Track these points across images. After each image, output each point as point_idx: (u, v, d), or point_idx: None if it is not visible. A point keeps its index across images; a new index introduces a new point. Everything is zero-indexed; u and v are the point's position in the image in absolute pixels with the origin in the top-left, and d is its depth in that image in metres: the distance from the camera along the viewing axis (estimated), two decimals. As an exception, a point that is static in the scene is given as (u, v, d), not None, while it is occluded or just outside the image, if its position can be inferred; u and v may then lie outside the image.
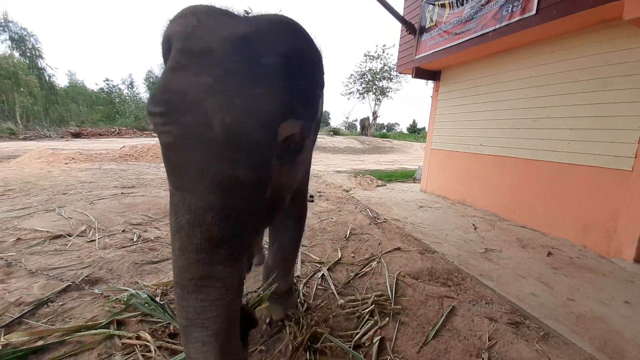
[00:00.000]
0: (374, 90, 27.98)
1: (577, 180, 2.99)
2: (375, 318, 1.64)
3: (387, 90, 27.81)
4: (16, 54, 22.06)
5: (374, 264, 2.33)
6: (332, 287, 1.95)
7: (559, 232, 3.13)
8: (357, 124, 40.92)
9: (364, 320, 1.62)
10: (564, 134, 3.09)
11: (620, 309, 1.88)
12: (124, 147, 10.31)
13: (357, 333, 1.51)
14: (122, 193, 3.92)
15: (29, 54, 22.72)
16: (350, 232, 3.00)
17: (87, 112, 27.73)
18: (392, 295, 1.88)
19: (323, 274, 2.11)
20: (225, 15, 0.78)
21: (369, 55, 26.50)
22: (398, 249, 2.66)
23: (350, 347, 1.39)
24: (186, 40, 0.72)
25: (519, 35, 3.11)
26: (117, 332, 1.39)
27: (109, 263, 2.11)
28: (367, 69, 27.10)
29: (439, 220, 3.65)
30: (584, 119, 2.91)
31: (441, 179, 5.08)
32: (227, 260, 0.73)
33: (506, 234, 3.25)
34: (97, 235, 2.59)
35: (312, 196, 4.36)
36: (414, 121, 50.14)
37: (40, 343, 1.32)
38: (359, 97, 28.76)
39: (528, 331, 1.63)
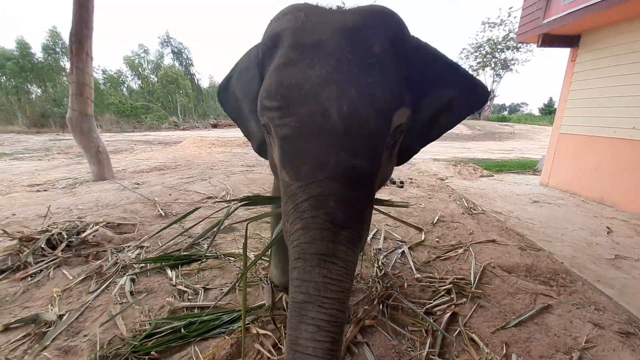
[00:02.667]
0: (493, 64, 23.80)
1: None
2: (452, 296, 1.70)
3: (512, 62, 23.16)
4: (176, 64, 29.31)
5: (459, 250, 2.30)
6: (411, 262, 2.08)
7: None
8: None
9: (439, 295, 1.71)
10: None
11: None
12: (246, 134, 12.43)
13: (430, 303, 1.63)
14: (246, 170, 4.99)
15: (184, 63, 29.80)
16: (438, 219, 2.96)
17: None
18: (474, 280, 1.87)
19: (403, 251, 2.25)
20: (328, 10, 0.83)
21: (489, 23, 22.52)
22: (493, 241, 2.49)
23: (421, 311, 1.54)
24: (296, 35, 0.75)
25: None
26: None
27: (241, 218, 2.86)
28: (484, 39, 23.19)
29: (557, 218, 3.10)
30: None
31: (571, 170, 4.16)
32: (349, 242, 0.68)
33: (660, 243, 2.50)
34: (232, 199, 3.47)
35: (402, 182, 4.38)
36: (550, 100, 40.02)
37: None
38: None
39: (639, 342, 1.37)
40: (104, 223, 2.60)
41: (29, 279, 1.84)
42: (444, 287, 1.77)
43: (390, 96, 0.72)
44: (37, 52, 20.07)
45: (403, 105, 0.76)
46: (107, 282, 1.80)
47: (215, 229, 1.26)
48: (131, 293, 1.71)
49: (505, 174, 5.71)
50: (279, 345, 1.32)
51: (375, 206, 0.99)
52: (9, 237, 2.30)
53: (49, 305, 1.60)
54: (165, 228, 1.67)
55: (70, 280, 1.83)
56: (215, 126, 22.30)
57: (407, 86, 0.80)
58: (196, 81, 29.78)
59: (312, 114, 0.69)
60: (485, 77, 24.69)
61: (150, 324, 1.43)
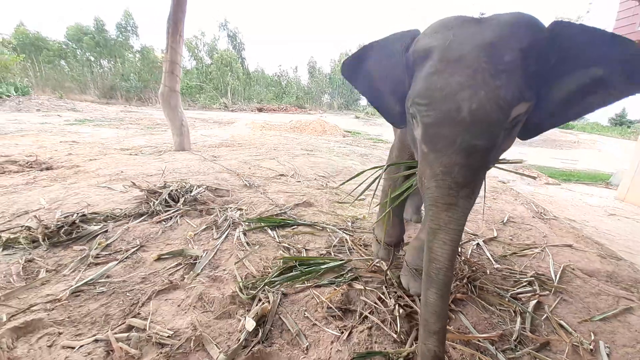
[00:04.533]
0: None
1: None
2: (534, 287, 1.82)
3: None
4: (230, 47, 30.56)
5: (535, 250, 2.36)
6: (488, 254, 2.20)
7: None
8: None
9: (521, 285, 1.83)
10: None
11: None
12: (292, 121, 12.82)
13: (513, 290, 1.76)
14: (307, 154, 5.30)
15: (237, 47, 30.99)
16: (508, 219, 3.00)
17: (265, 92, 35.40)
18: (555, 277, 1.95)
19: (478, 244, 2.37)
20: (472, 23, 0.99)
21: (563, 19, 20.36)
22: (570, 246, 2.50)
23: (506, 294, 1.69)
24: (444, 52, 0.98)
25: None
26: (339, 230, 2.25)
27: (314, 197, 3.14)
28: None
29: (638, 232, 2.97)
30: None
31: (656, 187, 3.86)
32: (466, 196, 0.97)
33: None
34: (301, 179, 3.79)
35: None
36: (623, 110, 35.47)
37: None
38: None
39: None
40: (205, 186, 3.03)
41: (163, 223, 2.28)
42: (525, 279, 1.89)
43: (511, 95, 0.91)
44: (110, 29, 22.23)
45: (523, 101, 0.94)
46: (226, 233, 2.17)
47: (375, 183, 1.63)
48: (247, 244, 2.06)
49: (573, 184, 5.40)
50: (384, 298, 1.55)
51: (497, 164, 1.20)
52: (138, 188, 2.80)
53: (188, 245, 2.01)
54: (345, 182, 1.98)
55: (194, 228, 2.24)
56: (260, 110, 23.17)
57: (532, 82, 0.96)
58: (246, 65, 30.91)
59: (449, 110, 0.94)
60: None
61: (279, 262, 1.77)
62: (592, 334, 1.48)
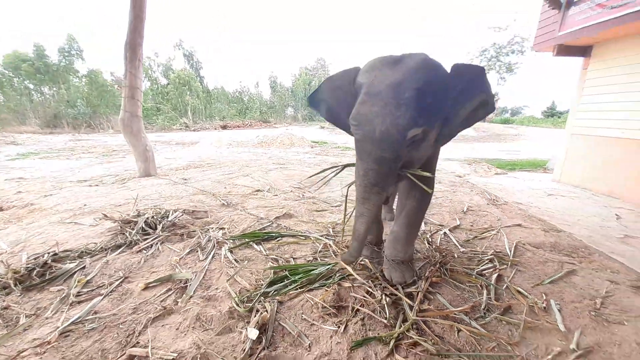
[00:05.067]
0: (497, 68, 24.26)
1: None
2: (494, 263, 2.10)
3: (516, 65, 23.63)
4: (187, 67, 29.81)
5: (492, 232, 2.69)
6: (454, 240, 2.48)
7: None
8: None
9: (483, 263, 2.11)
10: None
11: None
12: (258, 136, 12.81)
13: (478, 268, 2.02)
14: (280, 167, 5.40)
15: (194, 67, 30.32)
16: (467, 208, 3.36)
17: (227, 109, 34.82)
18: (510, 253, 2.27)
19: (445, 232, 2.65)
20: (388, 66, 1.35)
21: (494, 28, 23.03)
22: (519, 225, 2.89)
23: (472, 272, 1.94)
24: (368, 88, 1.35)
25: None
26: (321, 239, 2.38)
27: (293, 208, 3.26)
28: (490, 43, 23.69)
29: (572, 208, 3.49)
30: None
31: (582, 167, 4.55)
32: (377, 193, 1.39)
33: (664, 227, 2.90)
34: (277, 193, 3.88)
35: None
36: (553, 103, 40.36)
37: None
38: (475, 78, 25.50)
39: (655, 295, 1.77)
40: (182, 210, 3.00)
41: (144, 252, 2.25)
42: (486, 257, 2.17)
43: (406, 123, 1.26)
44: (53, 54, 20.65)
45: (415, 127, 1.27)
46: (212, 253, 2.20)
47: (332, 174, 1.89)
48: (235, 260, 2.11)
49: (517, 172, 6.10)
50: (372, 291, 1.71)
51: (408, 172, 1.47)
52: (111, 219, 2.71)
53: (175, 269, 2.01)
54: (316, 174, 2.09)
55: (178, 253, 2.23)
56: (225, 127, 22.74)
57: (429, 110, 1.30)
58: (205, 83, 30.28)
59: (369, 131, 1.32)
60: (490, 80, 25.13)
61: (270, 273, 1.86)
62: (544, 295, 1.76)
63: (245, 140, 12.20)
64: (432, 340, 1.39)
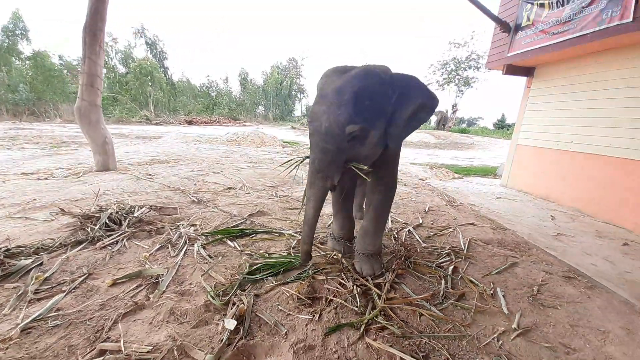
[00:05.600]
0: (456, 81, 26.17)
1: (675, 180, 2.99)
2: (451, 257, 2.34)
3: (472, 80, 25.69)
4: (150, 56, 27.96)
5: (450, 230, 2.97)
6: (417, 237, 2.70)
7: (649, 230, 3.17)
8: (432, 117, 38.59)
9: (442, 257, 2.34)
10: None
11: (684, 288, 2.13)
12: (228, 133, 12.44)
13: (437, 261, 2.25)
14: (253, 166, 5.35)
15: (158, 56, 28.55)
16: (428, 209, 3.65)
17: (193, 103, 33.21)
18: (464, 248, 2.53)
19: (409, 230, 2.87)
20: (336, 74, 1.60)
21: (454, 43, 24.84)
22: (472, 224, 3.21)
23: (433, 265, 2.15)
24: (319, 90, 1.60)
25: (618, 38, 3.18)
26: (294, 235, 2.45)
27: (266, 206, 3.29)
28: (450, 58, 25.50)
29: (516, 209, 3.96)
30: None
31: (525, 174, 5.15)
32: (321, 179, 1.58)
33: (585, 226, 3.42)
34: (250, 190, 3.87)
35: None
36: (503, 115, 44.58)
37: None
38: (437, 89, 27.28)
39: (578, 282, 2.11)
40: (148, 206, 2.88)
41: (109, 248, 2.14)
42: (444, 252, 2.41)
43: (344, 120, 1.47)
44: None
45: (352, 123, 1.48)
46: (184, 249, 2.17)
47: (298, 163, 1.89)
48: (209, 256, 2.11)
49: (472, 177, 6.70)
50: (344, 282, 1.83)
51: (353, 165, 1.63)
52: (69, 214, 2.52)
53: (145, 265, 1.95)
54: (284, 164, 2.07)
55: (147, 249, 2.17)
56: (190, 122, 21.72)
57: (366, 111, 1.51)
58: (170, 75, 28.63)
59: (317, 126, 1.53)
60: (450, 92, 26.98)
61: (247, 266, 1.90)
62: (491, 283, 2.02)
63: (214, 137, 11.80)
64: (398, 325, 1.54)
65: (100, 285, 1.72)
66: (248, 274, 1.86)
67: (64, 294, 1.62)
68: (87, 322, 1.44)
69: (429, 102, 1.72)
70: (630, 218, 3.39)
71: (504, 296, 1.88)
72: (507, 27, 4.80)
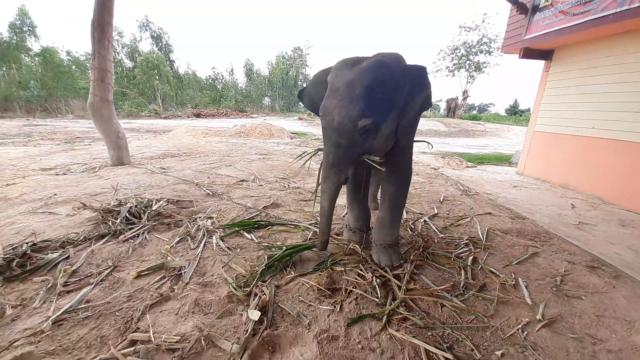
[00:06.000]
0: (467, 67, 25.38)
1: None
2: (470, 247, 2.31)
3: (484, 65, 24.86)
4: (155, 49, 27.94)
5: (466, 219, 2.93)
6: (433, 227, 2.67)
7: (675, 218, 3.05)
8: (441, 104, 37.72)
9: (460, 247, 2.31)
10: None
11: None
12: (235, 126, 12.46)
13: (456, 251, 2.22)
14: (263, 158, 5.36)
15: (163, 49, 28.52)
16: (443, 198, 3.60)
17: (200, 96, 33.23)
18: (483, 238, 2.50)
19: (425, 220, 2.84)
20: (347, 67, 1.56)
21: (465, 27, 23.97)
22: (489, 213, 3.16)
23: (451, 255, 2.13)
24: (331, 84, 1.57)
25: (638, 20, 3.00)
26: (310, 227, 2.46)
27: (280, 198, 3.30)
28: (461, 42, 24.68)
29: (534, 198, 3.87)
30: None
31: (542, 161, 5.01)
32: (335, 173, 1.59)
33: (608, 214, 3.32)
34: (262, 183, 3.88)
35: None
36: (515, 101, 43.21)
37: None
38: (447, 75, 26.54)
39: (602, 272, 2.06)
40: (166, 199, 2.93)
41: (131, 241, 2.19)
42: (463, 242, 2.38)
43: (356, 114, 1.47)
44: (2, 31, 18.44)
45: (364, 117, 1.47)
46: (203, 242, 2.20)
47: (310, 155, 1.97)
48: (228, 248, 2.13)
49: (485, 165, 6.56)
50: (363, 273, 1.83)
51: (366, 158, 1.60)
52: (91, 208, 2.59)
53: (167, 258, 1.99)
54: (298, 157, 2.18)
55: (168, 242, 2.21)
56: (198, 115, 21.81)
57: (378, 104, 1.50)
58: (176, 68, 28.66)
59: (330, 120, 1.53)
60: (460, 78, 26.24)
61: (265, 257, 1.92)
62: (512, 274, 1.99)
63: (222, 130, 11.83)
64: (420, 315, 1.53)
65: (125, 277, 1.77)
66: (269, 266, 1.87)
67: (92, 286, 1.67)
68: (117, 313, 1.49)
69: (431, 92, 1.74)
70: (655, 205, 3.27)
71: (526, 287, 1.85)
72: (525, 9, 4.59)
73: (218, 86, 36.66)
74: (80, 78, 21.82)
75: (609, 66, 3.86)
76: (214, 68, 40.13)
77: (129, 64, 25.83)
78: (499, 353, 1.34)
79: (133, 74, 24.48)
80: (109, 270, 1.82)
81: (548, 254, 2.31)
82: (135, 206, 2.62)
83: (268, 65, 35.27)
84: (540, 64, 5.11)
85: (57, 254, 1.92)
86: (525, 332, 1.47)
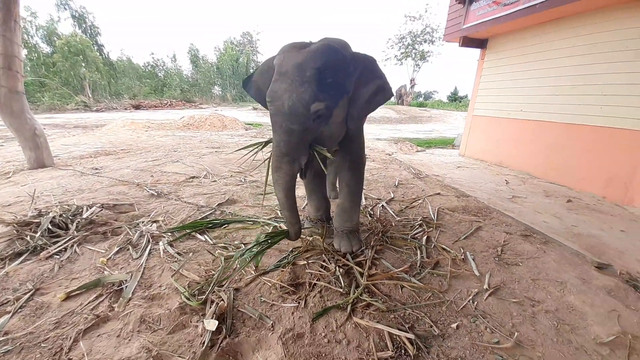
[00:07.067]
0: (413, 55, 26.68)
1: (605, 141, 3.39)
2: (423, 227, 2.44)
3: (428, 54, 26.38)
4: (79, 32, 24.25)
5: (419, 201, 3.09)
6: (390, 211, 2.77)
7: (584, 186, 3.60)
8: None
9: (415, 228, 2.43)
10: (598, 99, 3.43)
11: (615, 233, 2.47)
12: (183, 117, 11.51)
13: (411, 232, 2.32)
14: (215, 151, 5.01)
15: (88, 32, 24.91)
16: (398, 183, 3.75)
17: (138, 85, 29.97)
18: (434, 217, 2.65)
19: (382, 205, 2.93)
20: (295, 49, 1.47)
21: (410, 17, 25.02)
22: (438, 193, 3.38)
23: (408, 237, 2.22)
24: (278, 68, 1.45)
25: (564, 8, 3.38)
26: (267, 222, 2.36)
27: (236, 193, 3.12)
28: (407, 31, 25.76)
29: (475, 177, 4.24)
30: (617, 86, 3.23)
31: (480, 143, 5.51)
32: (287, 162, 1.48)
33: (535, 187, 3.79)
34: (216, 178, 3.64)
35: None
36: (455, 88, 46.90)
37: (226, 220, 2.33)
38: (396, 63, 27.64)
39: (534, 239, 2.34)
40: (99, 204, 2.57)
41: (56, 257, 1.88)
42: (417, 223, 2.50)
43: (308, 97, 1.39)
44: None
45: (317, 101, 1.41)
46: (148, 249, 1.97)
47: (262, 146, 1.84)
48: (178, 254, 1.95)
49: (433, 149, 7.02)
50: (326, 265, 1.81)
51: (317, 148, 1.57)
52: (2, 223, 2.15)
53: (104, 272, 1.74)
54: (245, 147, 1.96)
55: (104, 253, 1.94)
56: (138, 107, 19.69)
57: (330, 88, 1.44)
58: (106, 54, 25.30)
59: (279, 105, 1.42)
60: (407, 67, 27.53)
61: (221, 260, 1.78)
62: (461, 249, 2.14)
63: (168, 122, 10.86)
64: (382, 299, 1.56)
65: (51, 301, 1.50)
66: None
67: (10, 315, 1.39)
68: (42, 345, 1.25)
69: (386, 86, 1.71)
70: (572, 177, 3.80)
71: (473, 259, 2.01)
72: (463, -1, 4.87)
73: (159, 74, 33.41)
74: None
75: (534, 53, 4.32)
76: (152, 54, 36.63)
77: (46, 49, 22.10)
78: (454, 326, 1.43)
79: (52, 60, 21.02)
80: (28, 294, 1.53)
81: (489, 227, 2.54)
82: (60, 215, 2.25)
83: (215, 51, 33.09)
84: (476, 53, 5.53)
85: (-46, 282, 1.56)
86: (476, 303, 1.60)
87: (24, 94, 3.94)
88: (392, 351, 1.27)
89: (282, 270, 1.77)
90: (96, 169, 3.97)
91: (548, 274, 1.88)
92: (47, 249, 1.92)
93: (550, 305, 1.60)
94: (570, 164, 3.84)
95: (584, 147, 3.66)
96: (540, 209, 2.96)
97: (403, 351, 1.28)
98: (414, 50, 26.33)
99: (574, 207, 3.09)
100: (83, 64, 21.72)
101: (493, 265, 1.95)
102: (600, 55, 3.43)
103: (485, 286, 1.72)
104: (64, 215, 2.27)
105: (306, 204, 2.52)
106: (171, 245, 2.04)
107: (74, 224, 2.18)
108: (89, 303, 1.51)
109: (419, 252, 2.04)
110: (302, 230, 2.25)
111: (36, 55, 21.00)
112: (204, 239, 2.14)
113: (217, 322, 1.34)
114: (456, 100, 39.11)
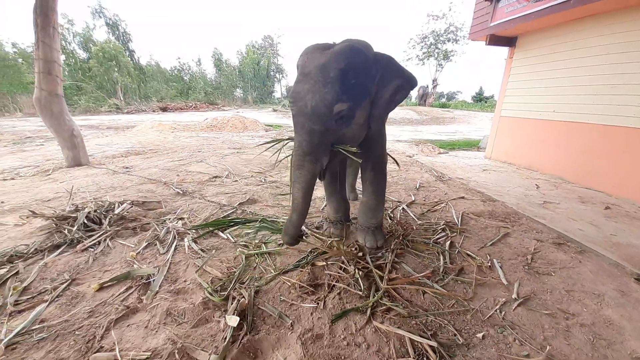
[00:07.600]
0: (436, 55, 25.98)
1: (650, 144, 3.12)
2: (447, 232, 2.36)
3: (452, 53, 25.58)
4: (112, 39, 25.76)
5: (442, 205, 2.99)
6: (412, 214, 2.70)
7: (625, 192, 3.33)
8: (412, 92, 38.55)
9: (437, 233, 2.35)
10: (635, 99, 3.17)
11: (661, 245, 2.26)
12: (206, 119, 11.91)
13: (433, 237, 2.26)
14: (237, 152, 5.14)
15: (121, 38, 26.39)
16: (419, 185, 3.66)
17: (165, 89, 31.30)
18: (458, 222, 2.56)
19: (403, 208, 2.87)
20: (318, 50, 1.48)
21: (433, 16, 24.40)
22: (462, 197, 3.26)
23: (430, 241, 2.16)
24: (301, 69, 1.47)
25: (599, 4, 3.16)
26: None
27: (256, 193, 3.17)
28: (429, 31, 25.14)
29: (502, 180, 4.05)
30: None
31: (508, 145, 5.26)
32: (310, 161, 1.49)
33: (568, 192, 3.56)
34: (237, 178, 3.72)
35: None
36: (481, 88, 45.16)
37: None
38: (418, 64, 27.01)
39: (568, 248, 2.19)
40: (129, 201, 2.70)
41: (91, 250, 2.00)
42: (440, 227, 2.42)
43: (332, 98, 1.40)
44: None
45: (340, 102, 1.41)
46: (174, 245, 2.05)
47: (283, 144, 1.87)
48: (202, 250, 2.01)
49: (456, 151, 6.79)
50: (345, 266, 1.80)
51: (340, 148, 1.57)
52: (41, 217, 2.32)
53: (133, 266, 1.83)
54: (264, 144, 2.02)
55: (133, 248, 2.04)
56: (165, 109, 20.59)
57: (352, 89, 1.45)
58: (137, 59, 26.70)
59: (302, 106, 1.44)
60: (430, 67, 26.85)
61: (242, 258, 1.81)
62: (487, 255, 2.05)
63: (192, 124, 11.29)
64: (403, 305, 1.53)
65: (85, 291, 1.60)
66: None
67: (47, 303, 1.49)
68: (76, 332, 1.33)
69: (406, 83, 1.72)
70: (609, 182, 3.54)
71: (500, 267, 1.92)
72: (490, -5, 4.68)
73: (185, 77, 34.69)
74: (28, 72, 19.66)
75: (567, 51, 4.07)
76: (179, 58, 37.89)
77: (82, 54, 23.65)
78: (480, 335, 1.37)
79: (88, 65, 22.46)
80: (65, 284, 1.64)
81: (518, 234, 2.41)
82: (95, 211, 2.39)
83: (238, 54, 33.99)
84: (503, 51, 5.30)
85: (5, 269, 1.71)
86: (503, 312, 1.52)
87: (63, 97, 4.24)
88: (414, 358, 1.23)
89: (302, 271, 1.78)
90: (127, 167, 4.19)
91: (584, 285, 1.76)
92: (82, 242, 2.05)
93: (586, 318, 1.49)
94: (606, 167, 3.57)
95: (620, 149, 3.39)
96: (575, 216, 2.77)
97: (425, 359, 1.24)
98: (436, 50, 25.63)
99: (612, 214, 2.87)
100: (116, 69, 23.00)
101: (522, 274, 1.85)
102: (638, 54, 3.17)
103: (514, 295, 1.64)
104: (98, 211, 2.41)
105: (325, 205, 2.52)
106: (195, 242, 2.11)
107: (107, 219, 2.31)
108: (119, 294, 1.59)
109: (441, 257, 1.98)
110: (320, 231, 2.27)
111: (73, 60, 22.48)
112: (226, 237, 2.19)
113: (238, 318, 1.36)
114: (481, 100, 37.60)
